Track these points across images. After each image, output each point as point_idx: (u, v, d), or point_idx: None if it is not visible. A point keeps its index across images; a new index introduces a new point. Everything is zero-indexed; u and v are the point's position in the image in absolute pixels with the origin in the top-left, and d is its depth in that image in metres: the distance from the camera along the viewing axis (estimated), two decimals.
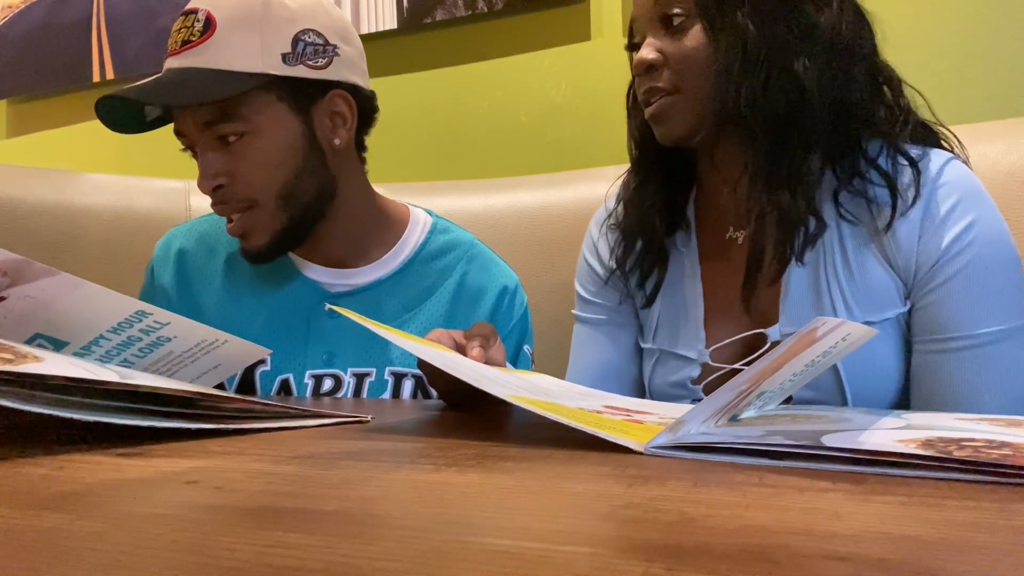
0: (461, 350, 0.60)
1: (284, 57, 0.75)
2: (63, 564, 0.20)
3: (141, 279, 0.90)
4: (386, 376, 0.82)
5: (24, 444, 0.39)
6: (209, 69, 0.73)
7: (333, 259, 0.85)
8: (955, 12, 1.13)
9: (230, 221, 0.78)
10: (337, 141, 0.80)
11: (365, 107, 0.83)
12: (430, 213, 0.93)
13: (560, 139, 1.37)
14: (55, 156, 1.79)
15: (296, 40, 0.76)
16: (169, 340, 0.56)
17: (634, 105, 0.76)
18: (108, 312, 0.53)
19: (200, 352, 0.59)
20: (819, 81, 0.64)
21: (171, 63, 0.75)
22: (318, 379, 0.82)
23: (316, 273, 0.85)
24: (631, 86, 0.76)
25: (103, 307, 0.52)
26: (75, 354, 0.53)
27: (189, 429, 0.42)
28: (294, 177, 0.78)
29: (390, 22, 1.45)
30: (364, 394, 0.82)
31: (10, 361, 0.37)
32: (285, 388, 0.81)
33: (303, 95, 0.77)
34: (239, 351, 0.63)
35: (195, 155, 0.78)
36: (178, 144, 0.80)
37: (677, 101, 0.68)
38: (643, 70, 0.69)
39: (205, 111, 0.74)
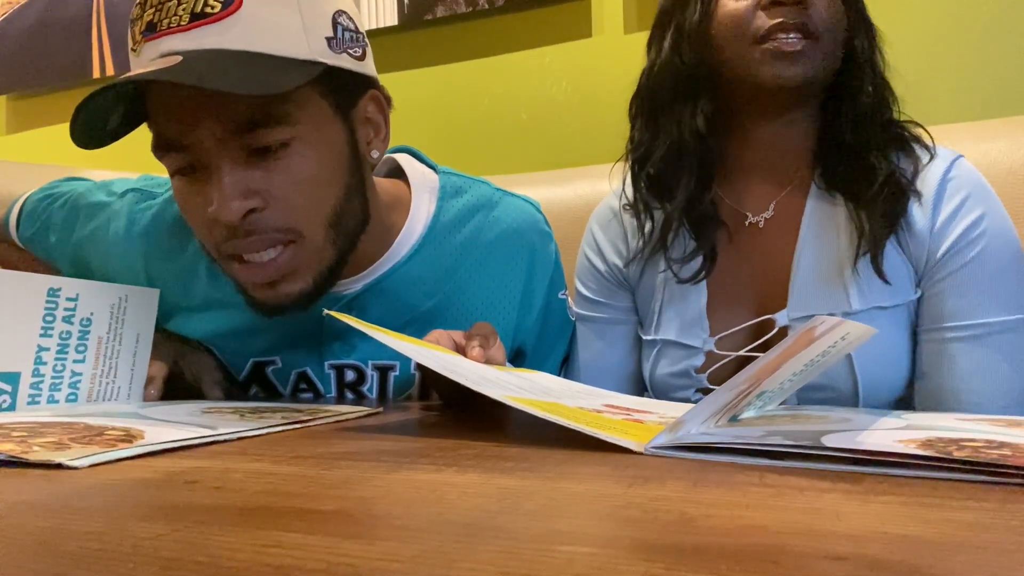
0: (461, 351, 0.60)
1: (329, 42, 0.59)
2: (63, 564, 0.20)
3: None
4: (413, 370, 0.75)
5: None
6: (245, 52, 0.55)
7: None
8: (957, 11, 1.12)
9: (240, 262, 0.61)
10: (375, 154, 0.66)
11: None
12: (434, 168, 0.80)
13: (561, 136, 1.36)
14: (55, 153, 1.78)
15: (334, 22, 0.60)
16: (90, 321, 0.56)
17: (708, 37, 0.71)
18: (27, 304, 0.52)
19: (116, 324, 0.58)
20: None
21: (175, 43, 0.55)
22: (339, 369, 0.75)
23: None
24: (699, 21, 0.71)
25: (22, 300, 0.52)
26: (32, 386, 0.53)
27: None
28: (344, 198, 0.63)
29: (391, 18, 1.45)
30: (390, 388, 0.76)
31: (124, 440, 0.38)
32: (304, 379, 0.76)
33: (345, 93, 0.63)
34: (139, 301, 0.61)
35: (186, 172, 0.60)
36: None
37: (816, 46, 0.67)
38: (794, 1, 0.66)
39: (242, 111, 0.56)
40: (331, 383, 0.77)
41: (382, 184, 0.74)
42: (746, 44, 0.68)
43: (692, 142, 0.72)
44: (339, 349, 0.75)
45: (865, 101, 0.69)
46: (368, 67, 0.65)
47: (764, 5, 0.67)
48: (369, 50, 0.66)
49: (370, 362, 0.76)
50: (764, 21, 0.67)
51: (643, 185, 0.76)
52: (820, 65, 0.67)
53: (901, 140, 0.70)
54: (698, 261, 0.73)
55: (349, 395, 0.77)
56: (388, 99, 0.68)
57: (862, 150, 0.68)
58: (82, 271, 0.81)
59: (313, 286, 0.63)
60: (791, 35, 0.66)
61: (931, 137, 0.70)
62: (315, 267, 0.62)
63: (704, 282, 0.74)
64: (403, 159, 0.80)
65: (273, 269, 0.61)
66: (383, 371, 0.76)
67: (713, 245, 0.74)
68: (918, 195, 0.67)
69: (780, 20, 0.66)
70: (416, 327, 0.70)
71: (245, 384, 0.78)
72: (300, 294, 0.62)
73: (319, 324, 0.72)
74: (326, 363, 0.76)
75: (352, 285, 0.73)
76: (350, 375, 0.76)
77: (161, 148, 0.60)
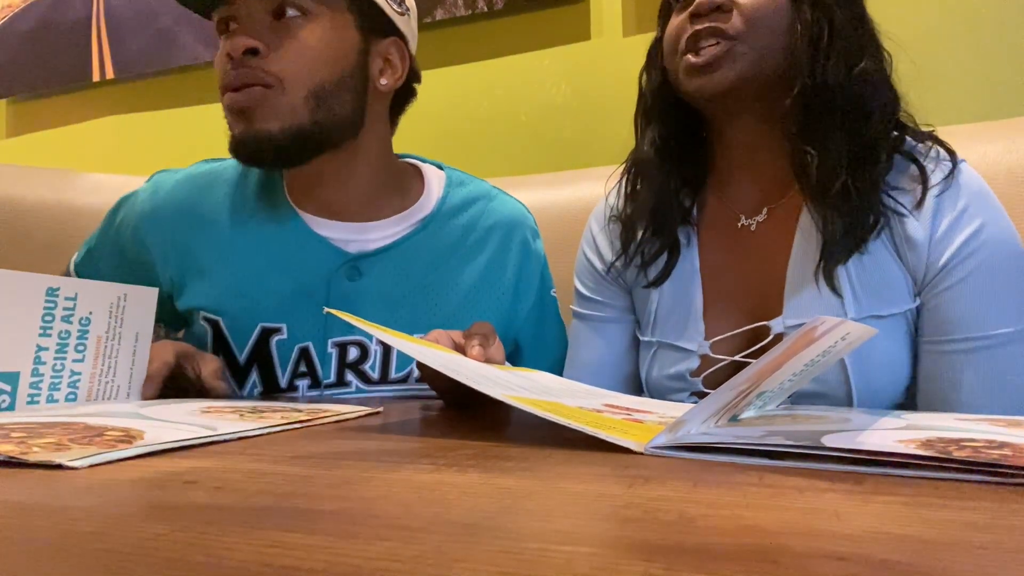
0: (460, 350, 0.60)
1: None
2: (63, 564, 0.20)
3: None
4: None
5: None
6: None
7: (346, 212, 0.80)
8: (956, 11, 1.13)
9: (234, 90, 0.71)
10: (384, 81, 0.78)
11: (411, 80, 0.82)
12: (440, 166, 0.90)
13: (560, 139, 1.37)
14: (55, 155, 1.79)
15: None
16: (89, 321, 0.56)
17: (662, 58, 0.73)
18: (26, 303, 0.53)
19: (115, 324, 0.59)
20: (884, 78, 0.66)
21: None
22: (342, 347, 0.78)
23: (330, 230, 0.79)
24: (656, 41, 0.74)
25: (21, 300, 0.53)
26: (31, 385, 0.53)
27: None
28: (334, 83, 0.73)
29: None
30: (392, 365, 0.78)
31: (124, 440, 0.38)
32: (305, 357, 0.78)
33: (371, 24, 0.76)
34: (138, 300, 0.62)
35: (226, 30, 0.73)
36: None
37: (738, 48, 0.66)
38: (709, 9, 0.66)
39: None
40: (331, 365, 0.78)
41: (405, 162, 0.87)
42: (677, 58, 0.69)
43: (654, 155, 0.74)
44: (344, 325, 0.76)
45: (809, 97, 0.65)
46: (403, 24, 0.79)
47: (689, 18, 0.67)
48: (411, 18, 0.81)
49: (374, 338, 0.78)
50: (693, 30, 0.67)
51: (625, 192, 0.78)
52: (749, 65, 0.66)
53: (891, 147, 0.66)
54: (664, 259, 0.75)
55: (349, 375, 0.78)
56: (415, 71, 0.82)
57: (819, 152, 0.65)
58: (122, 263, 0.85)
59: (281, 136, 0.71)
60: (707, 44, 0.66)
61: (942, 145, 0.67)
62: (286, 119, 0.71)
63: (700, 285, 0.74)
64: (411, 160, 0.90)
65: (245, 100, 0.70)
66: (387, 347, 0.78)
67: (675, 239, 0.75)
68: (906, 212, 0.65)
69: (696, 30, 0.66)
70: (414, 299, 0.77)
71: (246, 364, 0.79)
72: (267, 136, 0.71)
73: (325, 287, 0.78)
74: (329, 340, 0.78)
75: (365, 235, 0.80)
76: (353, 352, 0.78)
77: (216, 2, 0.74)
